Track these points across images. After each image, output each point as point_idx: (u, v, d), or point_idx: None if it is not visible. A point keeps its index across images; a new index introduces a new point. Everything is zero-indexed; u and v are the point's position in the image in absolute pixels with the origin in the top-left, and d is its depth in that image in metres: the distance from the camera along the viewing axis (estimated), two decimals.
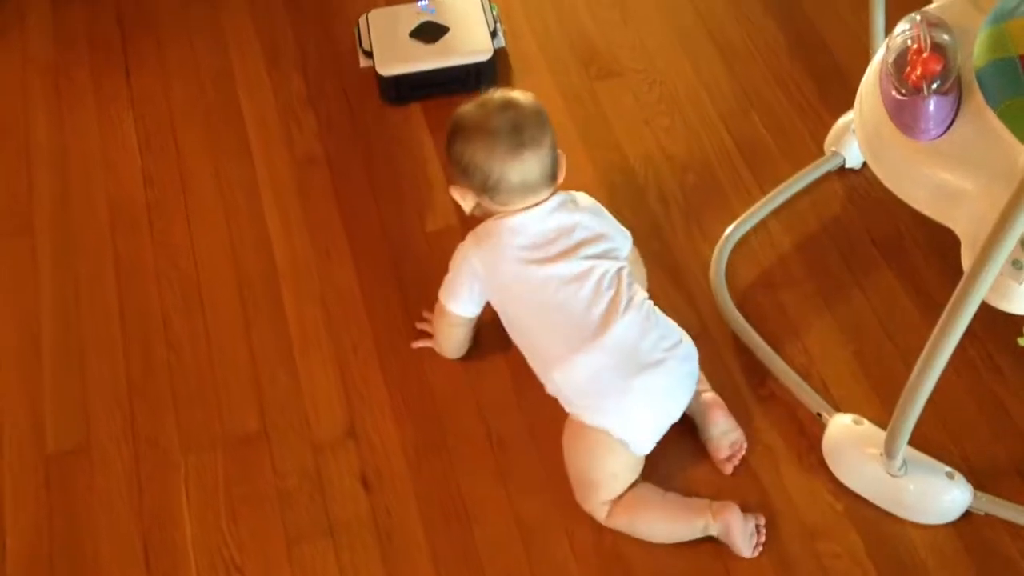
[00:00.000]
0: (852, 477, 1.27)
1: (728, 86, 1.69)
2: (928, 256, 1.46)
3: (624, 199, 1.55)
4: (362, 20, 1.74)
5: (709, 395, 1.34)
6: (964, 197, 1.09)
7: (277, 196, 1.59)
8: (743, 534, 1.23)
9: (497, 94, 1.32)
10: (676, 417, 1.30)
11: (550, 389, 1.30)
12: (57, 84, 1.74)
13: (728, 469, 1.30)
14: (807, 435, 1.32)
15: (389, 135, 1.65)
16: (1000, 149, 1.07)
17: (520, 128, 1.27)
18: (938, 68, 1.08)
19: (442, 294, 1.36)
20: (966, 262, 1.07)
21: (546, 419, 1.32)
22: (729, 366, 1.38)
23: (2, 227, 1.57)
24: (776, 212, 1.53)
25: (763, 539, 1.24)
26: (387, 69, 1.66)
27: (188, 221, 1.57)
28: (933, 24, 1.11)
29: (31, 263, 1.53)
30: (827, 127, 1.59)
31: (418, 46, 1.68)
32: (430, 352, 1.42)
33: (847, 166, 1.56)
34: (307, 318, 1.46)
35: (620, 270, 1.29)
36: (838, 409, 1.32)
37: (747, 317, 1.42)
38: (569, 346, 1.25)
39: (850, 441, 1.28)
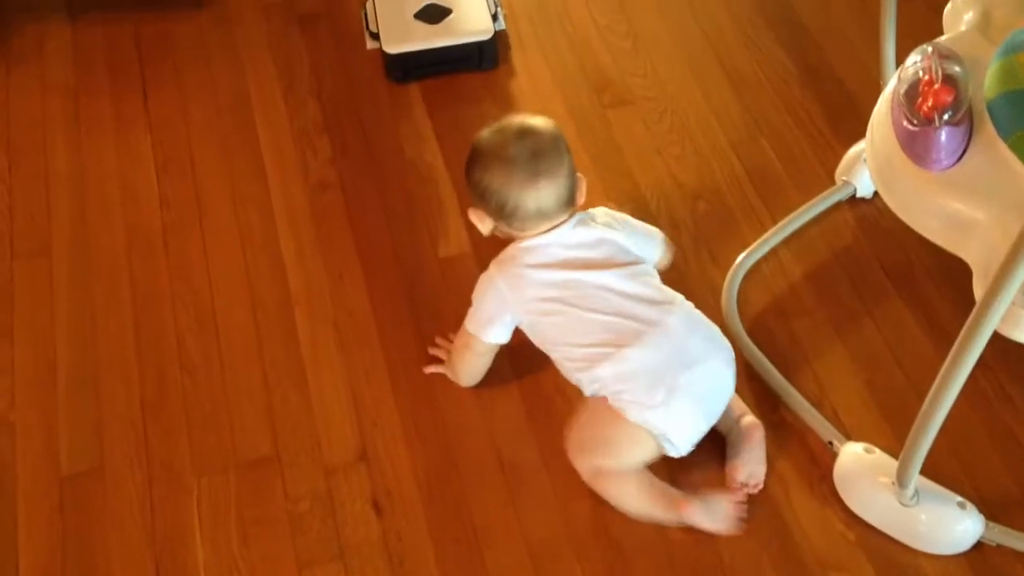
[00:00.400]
0: (864, 506, 1.27)
1: (739, 114, 1.70)
2: (939, 285, 1.47)
3: None
4: (369, 3, 1.81)
5: (751, 419, 1.34)
6: (976, 227, 1.10)
7: (292, 220, 1.61)
8: (711, 523, 1.27)
9: (516, 120, 1.33)
10: (714, 420, 1.30)
11: (593, 388, 1.29)
12: (76, 107, 1.76)
13: (738, 495, 1.29)
14: (819, 464, 1.32)
15: (403, 163, 1.67)
16: (1011, 179, 1.08)
17: (538, 156, 1.27)
18: (949, 99, 1.09)
19: (471, 325, 1.34)
20: (978, 292, 1.08)
21: (558, 445, 1.32)
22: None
23: (21, 248, 1.59)
24: (787, 240, 1.54)
25: (744, 513, 1.28)
26: (393, 47, 1.74)
27: (204, 244, 1.59)
28: (944, 56, 1.12)
29: (48, 285, 1.54)
30: (838, 156, 1.60)
31: (422, 26, 1.77)
32: (442, 377, 1.42)
33: (858, 195, 1.57)
34: (320, 342, 1.47)
35: (653, 274, 1.33)
36: (849, 437, 1.32)
37: (759, 345, 1.43)
38: (618, 343, 1.26)
39: (862, 470, 1.28)
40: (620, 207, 1.58)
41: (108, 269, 1.56)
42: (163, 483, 1.34)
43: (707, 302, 1.47)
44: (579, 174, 1.32)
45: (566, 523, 1.29)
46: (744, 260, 1.51)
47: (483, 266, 1.51)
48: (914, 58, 1.14)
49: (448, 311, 1.49)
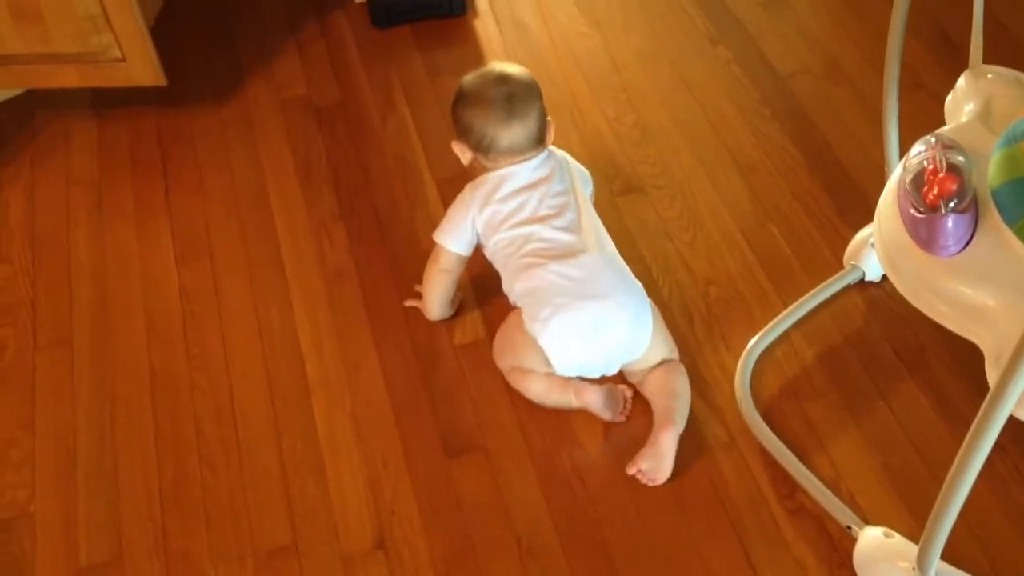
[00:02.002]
0: None
1: (747, 201, 1.74)
2: (951, 368, 1.48)
3: None
4: None
5: (666, 416, 1.41)
6: (985, 313, 1.12)
7: (309, 308, 1.63)
8: (603, 411, 1.43)
9: (497, 67, 1.54)
10: (606, 365, 1.46)
11: (513, 298, 1.50)
12: (99, 199, 1.81)
13: (630, 470, 1.39)
14: (838, 549, 1.32)
15: (419, 251, 1.70)
16: (1019, 266, 1.10)
17: (512, 100, 1.48)
18: (954, 187, 1.12)
19: (438, 235, 1.54)
20: (991, 377, 1.09)
21: (576, 524, 1.33)
22: (757, 478, 1.39)
23: (43, 340, 1.61)
24: (798, 324, 1.56)
25: (628, 407, 1.46)
26: None
27: (222, 333, 1.61)
28: (948, 146, 1.16)
29: (69, 376, 1.56)
30: (845, 241, 1.63)
31: None
32: (460, 462, 1.43)
33: (867, 279, 1.59)
34: (337, 431, 1.49)
35: (593, 219, 1.51)
36: (867, 522, 1.32)
37: (773, 428, 1.43)
38: (535, 266, 1.45)
39: (881, 555, 1.27)
40: None
41: (128, 359, 1.58)
42: (181, 573, 1.34)
43: (720, 386, 1.49)
44: (549, 118, 1.53)
45: None
46: (756, 344, 1.53)
47: None
48: (918, 148, 1.18)
49: (465, 398, 1.50)
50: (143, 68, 1.76)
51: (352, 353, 1.57)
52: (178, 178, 1.84)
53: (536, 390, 1.46)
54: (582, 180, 1.58)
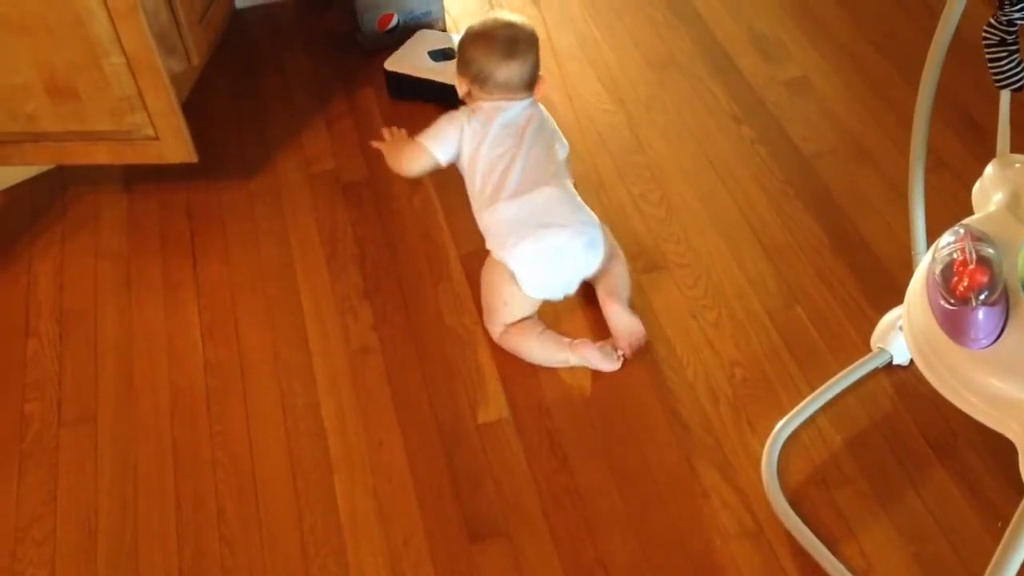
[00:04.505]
0: None
1: (773, 282, 1.73)
2: (983, 456, 1.46)
3: (674, 392, 1.58)
4: (417, 34, 2.15)
5: (608, 289, 1.63)
6: (1016, 406, 1.10)
7: (332, 386, 1.63)
8: (600, 361, 1.58)
9: (505, 15, 1.76)
10: (569, 280, 1.64)
11: (480, 227, 1.68)
12: (128, 273, 1.83)
13: (628, 352, 1.61)
14: None
15: (443, 329, 1.70)
16: None
17: (514, 41, 1.69)
18: (984, 280, 1.12)
19: (423, 137, 1.73)
20: None
21: None
22: (786, 568, 1.36)
23: (68, 415, 1.62)
24: (825, 408, 1.54)
25: (627, 354, 1.60)
26: (392, 66, 2.10)
27: (246, 409, 1.61)
28: (977, 238, 1.15)
29: (92, 452, 1.56)
30: (872, 323, 1.62)
31: (426, 60, 2.11)
32: (482, 548, 1.41)
33: (895, 363, 1.58)
34: (359, 509, 1.47)
35: (562, 164, 1.70)
36: None
37: (802, 516, 1.41)
38: (505, 197, 1.62)
39: None
40: (658, 373, 1.61)
41: (151, 435, 1.58)
42: None
43: (745, 471, 1.47)
44: (542, 74, 1.74)
45: None
46: (783, 428, 1.51)
47: (523, 432, 1.54)
48: (948, 239, 1.17)
49: (488, 479, 1.49)
50: (175, 146, 1.79)
51: (375, 430, 1.57)
52: (206, 252, 1.86)
53: (533, 351, 1.61)
54: (559, 143, 1.74)
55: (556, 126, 1.77)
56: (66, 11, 1.61)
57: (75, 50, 1.66)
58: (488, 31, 1.71)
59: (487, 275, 1.66)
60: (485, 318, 1.66)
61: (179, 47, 1.92)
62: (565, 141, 1.77)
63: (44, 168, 2.00)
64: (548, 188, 1.63)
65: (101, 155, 1.81)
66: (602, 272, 1.67)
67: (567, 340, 1.61)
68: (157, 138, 1.78)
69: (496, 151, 1.66)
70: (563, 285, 1.65)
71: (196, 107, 1.96)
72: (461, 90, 1.75)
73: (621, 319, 1.61)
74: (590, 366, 1.59)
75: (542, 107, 1.76)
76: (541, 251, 1.60)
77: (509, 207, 1.62)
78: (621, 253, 1.72)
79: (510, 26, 1.72)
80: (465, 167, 1.72)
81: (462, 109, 1.74)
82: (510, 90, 1.70)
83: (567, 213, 1.63)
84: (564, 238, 1.61)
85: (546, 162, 1.67)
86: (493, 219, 1.64)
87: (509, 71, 1.68)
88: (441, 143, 1.73)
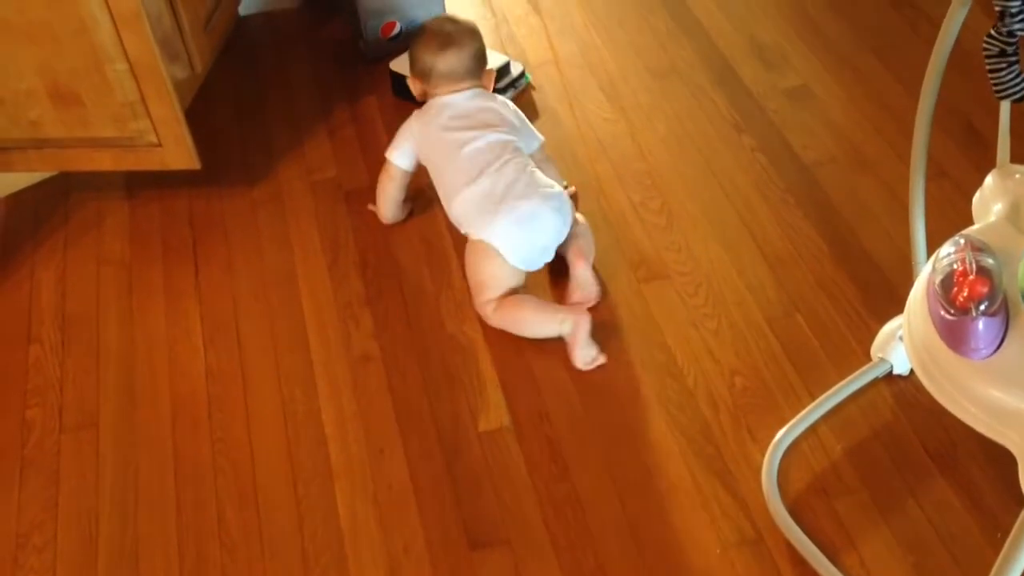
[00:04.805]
0: None
1: (773, 290, 1.74)
2: (983, 467, 1.46)
3: (674, 401, 1.58)
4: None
5: (576, 250, 1.71)
6: (1017, 417, 1.10)
7: (333, 393, 1.64)
8: (583, 344, 1.61)
9: (448, 14, 1.95)
10: (546, 245, 1.71)
11: (452, 218, 1.76)
12: (130, 280, 1.83)
13: (580, 308, 1.66)
14: None
15: (444, 337, 1.71)
16: None
17: (450, 34, 1.80)
18: (984, 290, 1.12)
19: (388, 152, 1.83)
20: None
21: None
22: None
23: (69, 422, 1.62)
24: (826, 417, 1.54)
25: (603, 361, 1.63)
26: (397, 67, 2.13)
27: (247, 415, 1.61)
28: (977, 248, 1.16)
29: (94, 458, 1.57)
30: (872, 332, 1.62)
31: None
32: (482, 555, 1.41)
33: (895, 372, 1.58)
34: (359, 516, 1.47)
35: (512, 145, 1.74)
36: None
37: (802, 526, 1.41)
38: (464, 184, 1.70)
39: None
40: (658, 380, 1.61)
41: (152, 442, 1.58)
42: None
43: (746, 479, 1.48)
44: (490, 68, 1.85)
45: None
46: (783, 437, 1.51)
47: (523, 440, 1.55)
48: (948, 249, 1.18)
49: (488, 487, 1.49)
50: (178, 153, 1.79)
51: (376, 438, 1.57)
52: (208, 260, 1.86)
53: (528, 318, 1.66)
54: (524, 138, 1.79)
55: (527, 124, 1.82)
56: (70, 18, 1.62)
57: (79, 56, 1.67)
58: (427, 28, 1.83)
59: (470, 256, 1.71)
60: (475, 299, 1.70)
61: (182, 54, 1.93)
62: (540, 136, 1.84)
63: (47, 174, 2.01)
64: (506, 168, 1.70)
65: (104, 162, 1.82)
66: (570, 237, 1.74)
67: (564, 307, 1.67)
68: (160, 145, 1.78)
69: (450, 140, 1.74)
70: (540, 250, 1.71)
71: (199, 114, 1.96)
72: (416, 92, 1.84)
73: (584, 276, 1.70)
74: (574, 341, 1.61)
75: (507, 102, 1.83)
76: (516, 220, 1.67)
77: (473, 191, 1.69)
78: (585, 221, 1.80)
79: (448, 21, 1.85)
80: (428, 165, 1.80)
81: (414, 114, 1.82)
82: (455, 80, 1.79)
83: (528, 186, 1.70)
84: (533, 205, 1.68)
85: (502, 147, 1.73)
86: (463, 207, 1.71)
87: (448, 61, 1.78)
88: (399, 151, 1.82)
